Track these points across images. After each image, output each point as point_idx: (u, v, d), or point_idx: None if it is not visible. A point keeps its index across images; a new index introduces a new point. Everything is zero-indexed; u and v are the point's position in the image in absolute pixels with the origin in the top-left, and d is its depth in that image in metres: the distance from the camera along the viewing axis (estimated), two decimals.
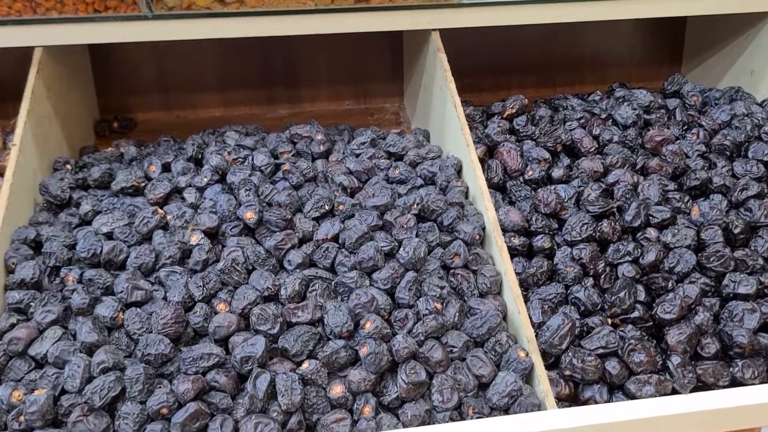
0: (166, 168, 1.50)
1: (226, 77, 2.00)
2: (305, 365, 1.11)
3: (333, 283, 1.23)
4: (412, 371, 1.10)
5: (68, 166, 1.51)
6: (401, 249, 1.27)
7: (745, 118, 1.63)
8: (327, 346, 1.14)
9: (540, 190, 1.40)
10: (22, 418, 1.04)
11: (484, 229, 1.36)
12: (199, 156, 1.53)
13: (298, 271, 1.24)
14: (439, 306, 1.21)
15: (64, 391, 1.06)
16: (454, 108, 1.54)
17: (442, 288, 1.24)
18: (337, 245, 1.29)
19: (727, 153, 1.55)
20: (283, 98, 2.05)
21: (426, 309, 1.19)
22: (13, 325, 1.14)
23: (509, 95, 1.71)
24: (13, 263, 1.24)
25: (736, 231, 1.34)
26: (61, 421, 1.05)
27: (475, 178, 1.42)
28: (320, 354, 1.13)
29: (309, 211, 1.36)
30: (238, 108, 2.03)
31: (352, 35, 1.64)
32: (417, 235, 1.32)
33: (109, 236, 1.30)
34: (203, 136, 1.65)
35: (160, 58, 1.93)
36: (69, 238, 1.28)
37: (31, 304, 1.18)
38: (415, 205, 1.37)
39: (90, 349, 1.09)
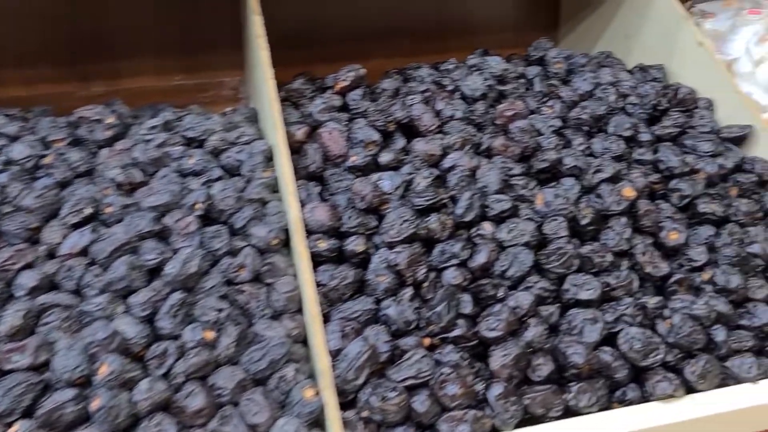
0: None
1: (27, 50, 1.67)
2: (15, 428, 0.84)
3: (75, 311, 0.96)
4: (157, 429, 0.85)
5: None
6: (168, 263, 1.00)
7: (609, 87, 1.43)
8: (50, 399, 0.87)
9: (356, 180, 1.16)
10: None
11: (287, 231, 1.11)
12: None
13: (27, 298, 0.96)
14: (210, 335, 0.95)
15: None
16: (264, 81, 1.27)
17: (220, 311, 0.98)
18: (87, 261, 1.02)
19: (586, 128, 1.35)
20: (97, 74, 1.74)
21: (192, 340, 0.94)
22: None
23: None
24: None
25: (584, 222, 1.13)
26: None
27: (280, 167, 1.16)
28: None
29: (65, 217, 1.08)
30: (42, 86, 1.70)
31: None
32: (201, 243, 1.06)
33: None
34: None
35: None
36: None
37: None
38: (199, 204, 1.10)
39: None
